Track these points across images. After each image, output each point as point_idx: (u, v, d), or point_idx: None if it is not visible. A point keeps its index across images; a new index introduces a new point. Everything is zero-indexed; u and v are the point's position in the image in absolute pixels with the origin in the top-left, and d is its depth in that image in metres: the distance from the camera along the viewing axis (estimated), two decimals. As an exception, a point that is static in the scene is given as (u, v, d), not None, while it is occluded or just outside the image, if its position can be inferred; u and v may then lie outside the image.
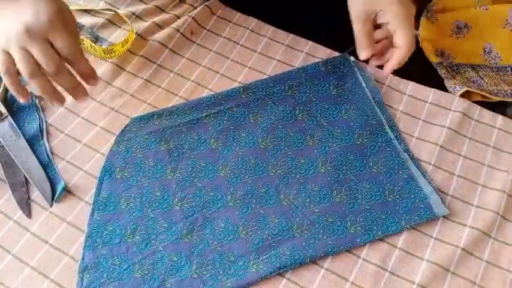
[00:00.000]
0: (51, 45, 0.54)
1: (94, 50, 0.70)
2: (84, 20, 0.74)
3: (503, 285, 0.52)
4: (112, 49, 0.69)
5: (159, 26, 0.74)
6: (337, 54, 0.70)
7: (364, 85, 0.66)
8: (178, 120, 0.63)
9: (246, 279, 0.52)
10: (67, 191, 0.59)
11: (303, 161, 0.60)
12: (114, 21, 0.75)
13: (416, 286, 0.52)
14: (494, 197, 0.57)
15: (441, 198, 0.57)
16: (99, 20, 0.75)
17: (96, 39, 0.72)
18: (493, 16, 0.69)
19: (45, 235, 0.56)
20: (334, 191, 0.57)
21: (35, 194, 0.59)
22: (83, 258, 0.54)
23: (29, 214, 0.57)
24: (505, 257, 0.54)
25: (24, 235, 0.56)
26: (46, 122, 0.64)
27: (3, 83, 0.66)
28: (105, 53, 0.69)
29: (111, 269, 0.53)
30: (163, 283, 0.52)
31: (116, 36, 0.72)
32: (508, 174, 0.59)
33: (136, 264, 0.53)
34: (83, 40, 0.71)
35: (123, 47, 0.70)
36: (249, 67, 0.69)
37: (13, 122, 0.63)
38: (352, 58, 0.69)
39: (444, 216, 0.56)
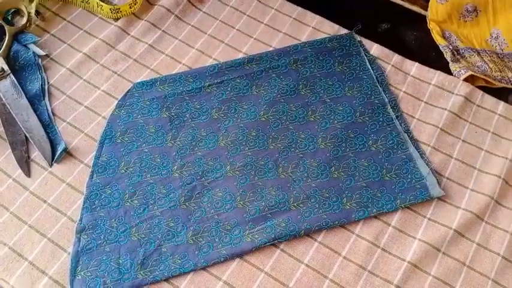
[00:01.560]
0: None
1: (101, 8, 0.69)
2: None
3: (491, 268, 0.53)
4: (119, 8, 0.69)
5: (166, -9, 0.73)
6: (344, 30, 0.69)
7: (368, 64, 0.65)
8: (181, 88, 0.63)
9: (240, 248, 0.53)
10: (67, 152, 0.59)
11: (303, 136, 0.60)
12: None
13: (407, 264, 0.53)
14: (489, 182, 0.58)
15: (437, 180, 0.57)
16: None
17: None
18: (503, 1, 0.69)
19: (44, 195, 0.56)
20: (332, 167, 0.58)
21: (35, 154, 0.59)
22: (80, 220, 0.54)
23: (28, 173, 0.58)
24: (496, 240, 0.55)
25: (23, 193, 0.56)
26: (48, 82, 0.64)
27: (6, 39, 0.65)
28: (111, 12, 0.69)
29: (108, 231, 0.54)
30: (159, 247, 0.53)
31: (127, 4, 0.71)
32: (505, 161, 0.59)
33: (134, 228, 0.54)
34: (89, 0, 0.70)
35: (130, 8, 0.69)
36: (255, 38, 0.69)
37: (15, 80, 0.63)
38: (358, 37, 0.68)
39: (439, 198, 0.57)
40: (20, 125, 0.60)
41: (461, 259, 0.53)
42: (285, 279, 0.52)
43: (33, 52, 0.66)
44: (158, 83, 0.64)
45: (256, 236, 0.53)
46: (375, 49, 0.68)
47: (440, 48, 0.70)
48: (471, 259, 0.53)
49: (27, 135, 0.59)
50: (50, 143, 0.59)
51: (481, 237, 0.55)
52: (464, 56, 0.70)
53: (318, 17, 0.71)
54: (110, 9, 0.68)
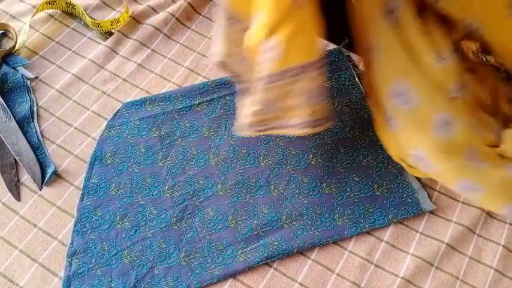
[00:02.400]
0: None
1: (84, 17, 0.70)
2: (78, 1, 0.73)
3: (485, 281, 0.53)
4: (99, 23, 0.69)
5: (154, 10, 0.73)
6: (332, 46, 0.70)
7: (357, 79, 0.66)
8: (171, 107, 0.63)
9: (233, 268, 0.52)
10: (57, 175, 0.59)
11: (294, 153, 0.60)
12: (109, 3, 0.74)
13: (400, 279, 0.53)
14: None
15: (428, 193, 0.57)
16: (93, 1, 0.74)
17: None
18: None
19: (34, 218, 0.56)
20: (324, 183, 0.58)
21: (25, 177, 0.58)
22: (71, 243, 0.54)
23: (18, 197, 0.57)
24: (488, 253, 0.55)
25: (13, 218, 0.56)
26: (37, 104, 0.64)
27: (-6, 62, 0.65)
28: (92, 24, 0.69)
29: (99, 255, 0.53)
30: (151, 270, 0.52)
31: (108, 20, 0.72)
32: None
33: (125, 250, 0.53)
34: (74, 5, 0.70)
35: (112, 25, 0.69)
36: (244, 55, 0.69)
37: (4, 103, 0.63)
38: (346, 52, 0.68)
39: (431, 212, 0.57)
40: (9, 148, 0.60)
41: (455, 273, 0.53)
42: (278, 299, 0.52)
43: (22, 74, 0.66)
44: (148, 102, 0.64)
45: (249, 256, 0.53)
46: (363, 64, 0.68)
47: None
48: (464, 273, 0.53)
49: (17, 158, 0.59)
50: (40, 165, 0.59)
51: (473, 250, 0.55)
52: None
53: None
54: (91, 22, 0.69)
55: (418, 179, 0.58)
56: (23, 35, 0.69)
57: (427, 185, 0.58)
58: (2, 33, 0.70)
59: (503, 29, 0.53)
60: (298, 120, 0.49)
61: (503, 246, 0.55)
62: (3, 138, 0.60)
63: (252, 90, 0.50)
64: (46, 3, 0.71)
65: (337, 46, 0.69)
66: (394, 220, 0.56)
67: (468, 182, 0.51)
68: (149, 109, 0.63)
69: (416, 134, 0.51)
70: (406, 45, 0.51)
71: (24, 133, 0.61)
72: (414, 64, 0.51)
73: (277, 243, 0.54)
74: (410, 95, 0.50)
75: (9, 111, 0.62)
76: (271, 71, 0.46)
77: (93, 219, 0.55)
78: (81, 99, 0.65)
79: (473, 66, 0.57)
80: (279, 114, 0.49)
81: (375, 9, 0.52)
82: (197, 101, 0.64)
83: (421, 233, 0.56)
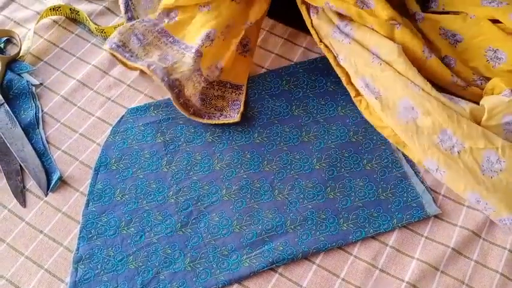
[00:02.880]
0: None
1: (88, 23, 0.70)
2: (82, 7, 0.73)
3: (490, 285, 0.53)
4: (103, 29, 0.69)
5: (158, 16, 0.73)
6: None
7: (361, 83, 0.66)
8: (175, 113, 0.63)
9: (238, 273, 0.53)
10: (62, 181, 0.59)
11: (298, 157, 0.60)
12: (112, 9, 0.74)
13: (406, 284, 0.53)
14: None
15: (433, 197, 0.57)
16: (97, 7, 0.74)
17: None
18: None
19: (39, 225, 0.56)
20: (328, 188, 0.58)
21: (30, 183, 0.59)
22: (77, 249, 0.54)
23: (23, 203, 0.57)
24: (494, 257, 0.55)
25: (19, 224, 0.56)
26: (42, 110, 0.64)
27: (-1, 69, 0.65)
28: (96, 30, 0.69)
29: (105, 261, 0.53)
30: (157, 275, 0.53)
31: (112, 26, 0.72)
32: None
33: (131, 256, 0.54)
34: (78, 11, 0.71)
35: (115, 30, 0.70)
36: (247, 60, 0.69)
37: (9, 110, 0.63)
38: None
39: (435, 216, 0.57)
40: (15, 155, 0.60)
41: (460, 277, 0.53)
42: (284, 304, 0.52)
43: (27, 81, 0.66)
44: (152, 108, 0.64)
45: (254, 261, 0.53)
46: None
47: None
48: (470, 277, 0.53)
49: (22, 164, 0.59)
50: (45, 172, 0.59)
51: (479, 254, 0.55)
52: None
53: (309, 37, 0.71)
54: (95, 28, 0.69)
55: (423, 183, 0.58)
56: (28, 41, 0.69)
57: (432, 189, 0.58)
58: (6, 39, 0.70)
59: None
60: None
61: (509, 250, 0.55)
62: (8, 145, 0.60)
63: None
64: (50, 9, 0.71)
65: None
66: (399, 224, 0.56)
67: (435, 164, 0.55)
68: (153, 115, 0.63)
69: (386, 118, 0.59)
70: None
71: (30, 139, 0.61)
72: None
73: (281, 248, 0.54)
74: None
75: (14, 118, 0.62)
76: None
77: (99, 225, 0.55)
78: (85, 105, 0.65)
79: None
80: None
81: None
82: (201, 106, 0.64)
83: (426, 237, 0.56)
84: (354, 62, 0.60)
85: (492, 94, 0.58)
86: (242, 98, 0.64)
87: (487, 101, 0.56)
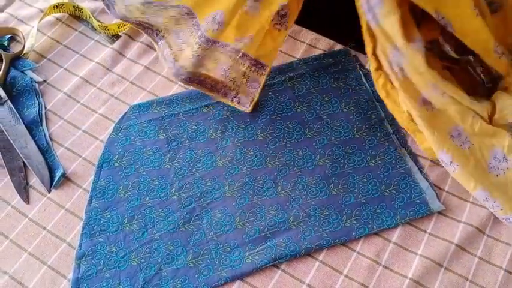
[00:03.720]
0: None
1: (92, 20, 0.70)
2: (85, 4, 0.74)
3: (495, 282, 0.53)
4: (106, 26, 0.69)
5: (160, 13, 0.73)
6: (339, 46, 0.69)
7: (364, 79, 0.65)
8: (178, 109, 0.63)
9: (241, 270, 0.52)
10: (65, 177, 0.59)
11: (301, 154, 0.60)
12: (115, 6, 0.74)
13: (409, 280, 0.52)
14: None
15: (437, 194, 0.57)
16: (100, 4, 0.74)
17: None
18: None
19: (43, 221, 0.56)
20: (331, 184, 0.58)
21: (33, 180, 0.59)
22: (80, 245, 0.54)
23: (26, 199, 0.58)
24: (498, 253, 0.54)
25: (22, 220, 0.56)
26: (45, 107, 0.64)
27: (3, 66, 0.65)
28: (99, 27, 0.70)
29: (108, 257, 0.53)
30: (159, 271, 0.53)
31: (115, 23, 0.72)
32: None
33: (133, 252, 0.54)
34: (82, 9, 0.71)
35: (119, 28, 0.70)
36: (250, 57, 0.69)
37: (12, 107, 0.63)
38: (353, 52, 0.68)
39: (439, 212, 0.56)
40: (18, 151, 0.60)
41: (464, 274, 0.53)
42: (286, 300, 0.52)
43: (30, 78, 0.66)
44: (155, 104, 0.64)
45: (257, 257, 0.53)
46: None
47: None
48: (474, 273, 0.53)
49: (25, 161, 0.59)
50: (48, 168, 0.59)
51: (483, 250, 0.54)
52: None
53: (313, 33, 0.71)
54: (98, 25, 0.69)
55: (427, 179, 0.58)
56: (31, 38, 0.69)
57: (436, 185, 0.58)
58: (10, 37, 0.70)
59: (472, 28, 0.53)
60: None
61: (514, 246, 0.54)
62: (12, 142, 0.60)
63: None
64: (54, 7, 0.71)
65: (344, 46, 0.69)
66: (403, 221, 0.55)
67: (449, 157, 0.52)
68: (156, 111, 0.63)
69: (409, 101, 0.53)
70: None
71: (33, 136, 0.61)
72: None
73: (284, 244, 0.54)
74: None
75: (17, 115, 0.63)
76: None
77: (101, 222, 0.55)
78: (88, 102, 0.65)
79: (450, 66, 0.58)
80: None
81: None
82: (204, 103, 0.64)
83: (429, 234, 0.55)
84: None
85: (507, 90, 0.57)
86: (262, 80, 0.59)
87: (500, 99, 0.55)
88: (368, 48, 0.56)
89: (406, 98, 0.54)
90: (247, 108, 0.61)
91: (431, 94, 0.52)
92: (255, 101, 0.61)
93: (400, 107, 0.57)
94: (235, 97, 0.61)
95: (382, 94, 0.57)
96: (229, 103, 0.61)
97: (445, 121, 0.53)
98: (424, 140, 0.57)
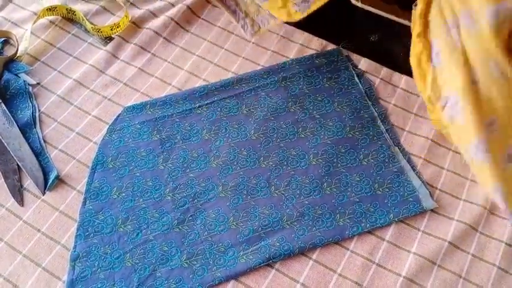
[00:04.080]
0: None
1: (85, 23, 0.70)
2: (78, 7, 0.74)
3: (488, 279, 0.53)
4: (99, 29, 0.70)
5: (154, 14, 0.73)
6: (332, 46, 0.70)
7: (356, 79, 0.66)
8: (171, 110, 0.64)
9: (235, 270, 0.53)
10: (59, 179, 0.59)
11: (295, 153, 0.60)
12: (109, 8, 0.74)
13: (403, 278, 0.52)
14: (482, 192, 0.58)
15: (430, 192, 0.57)
16: (93, 6, 0.74)
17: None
18: None
19: (37, 223, 0.56)
20: (325, 183, 0.58)
21: (28, 182, 0.59)
22: (74, 247, 0.54)
23: (21, 202, 0.58)
24: (491, 250, 0.54)
25: (17, 223, 0.56)
26: (39, 109, 0.64)
27: (-5, 70, 0.65)
28: (92, 30, 0.70)
29: (102, 258, 0.54)
30: (153, 272, 0.53)
31: (108, 25, 0.72)
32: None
33: (128, 254, 0.54)
34: (75, 11, 0.71)
35: (112, 30, 0.70)
36: (243, 57, 0.69)
37: (6, 109, 0.63)
38: (345, 52, 0.69)
39: (432, 210, 0.57)
40: (12, 154, 0.60)
41: (457, 271, 0.53)
42: (280, 299, 0.52)
43: (24, 80, 0.66)
44: (148, 106, 0.64)
45: (251, 257, 0.53)
46: (363, 63, 0.68)
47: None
48: (467, 271, 0.53)
49: (20, 163, 0.60)
50: (42, 170, 0.59)
51: (476, 248, 0.55)
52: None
53: (305, 33, 0.71)
54: (92, 27, 0.70)
55: (420, 177, 0.58)
56: (25, 41, 0.69)
57: (429, 183, 0.58)
58: (3, 40, 0.71)
59: None
60: None
61: (506, 243, 0.55)
62: (6, 144, 0.61)
63: None
64: (47, 9, 0.71)
65: (336, 46, 0.69)
66: (396, 219, 0.56)
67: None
68: (150, 113, 0.64)
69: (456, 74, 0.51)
70: None
71: (27, 139, 0.62)
72: None
73: (278, 244, 0.54)
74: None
75: (11, 118, 0.63)
76: None
77: (96, 223, 0.56)
78: (82, 104, 0.65)
79: None
80: None
81: None
82: (197, 104, 0.64)
83: (423, 232, 0.56)
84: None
85: None
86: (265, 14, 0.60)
87: None
88: (418, 11, 0.54)
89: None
90: (247, 35, 0.61)
91: (485, 71, 0.50)
92: (255, 30, 0.61)
93: (425, 84, 0.55)
94: (243, 21, 0.61)
95: (413, 61, 0.56)
96: (235, 21, 0.61)
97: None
98: (433, 111, 0.56)
